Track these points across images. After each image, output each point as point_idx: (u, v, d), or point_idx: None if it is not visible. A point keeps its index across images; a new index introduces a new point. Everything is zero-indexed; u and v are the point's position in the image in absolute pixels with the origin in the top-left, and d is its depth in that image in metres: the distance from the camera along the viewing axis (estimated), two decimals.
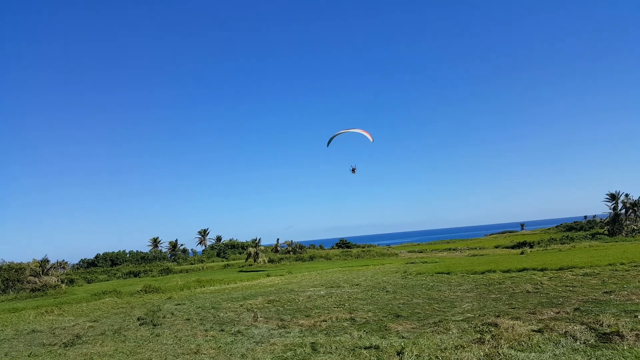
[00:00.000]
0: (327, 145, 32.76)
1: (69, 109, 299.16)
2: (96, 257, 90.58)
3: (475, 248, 75.36)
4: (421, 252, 76.68)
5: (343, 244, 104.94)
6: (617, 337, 10.20)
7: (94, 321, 20.28)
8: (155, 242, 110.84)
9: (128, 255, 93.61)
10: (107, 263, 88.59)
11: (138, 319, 19.32)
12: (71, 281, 54.86)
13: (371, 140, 32.17)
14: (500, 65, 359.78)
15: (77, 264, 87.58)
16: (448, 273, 28.97)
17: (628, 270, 21.54)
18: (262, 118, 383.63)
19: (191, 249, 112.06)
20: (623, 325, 10.91)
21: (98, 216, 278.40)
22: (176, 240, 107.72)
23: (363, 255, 72.01)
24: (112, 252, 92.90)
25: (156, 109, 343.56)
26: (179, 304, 23.88)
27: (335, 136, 32.22)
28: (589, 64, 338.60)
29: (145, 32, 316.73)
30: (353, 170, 32.93)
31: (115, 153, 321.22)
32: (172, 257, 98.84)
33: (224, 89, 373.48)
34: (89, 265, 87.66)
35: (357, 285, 26.69)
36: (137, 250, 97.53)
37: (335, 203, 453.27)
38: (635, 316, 11.87)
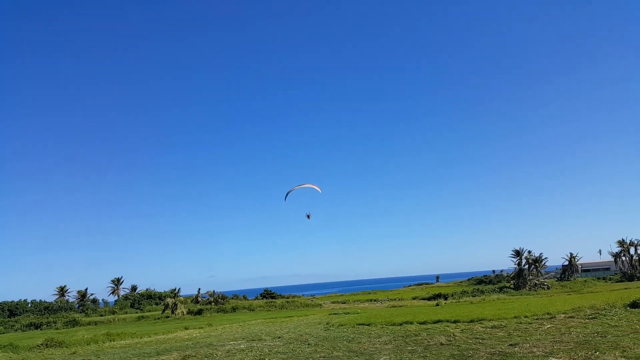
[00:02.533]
0: (285, 200, 37.19)
1: None
2: None
3: (395, 299, 77.05)
4: (344, 302, 77.01)
5: (267, 294, 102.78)
6: None
7: None
8: (62, 290, 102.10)
9: (30, 305, 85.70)
10: (5, 313, 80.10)
11: None
12: None
13: (320, 191, 36.87)
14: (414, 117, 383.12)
15: None
16: (369, 324, 29.38)
17: (531, 323, 23.21)
18: (190, 160, 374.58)
19: (102, 299, 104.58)
20: None
21: None
22: (86, 290, 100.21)
23: (287, 306, 70.90)
24: (12, 301, 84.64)
25: (63, 149, 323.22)
26: None
27: (290, 191, 36.38)
28: (493, 122, 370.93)
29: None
30: (308, 216, 37.48)
31: (22, 188, 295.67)
32: (80, 308, 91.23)
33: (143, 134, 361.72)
34: None
35: (279, 337, 26.23)
36: (40, 300, 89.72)
37: (260, 252, 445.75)
38: None
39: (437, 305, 51.50)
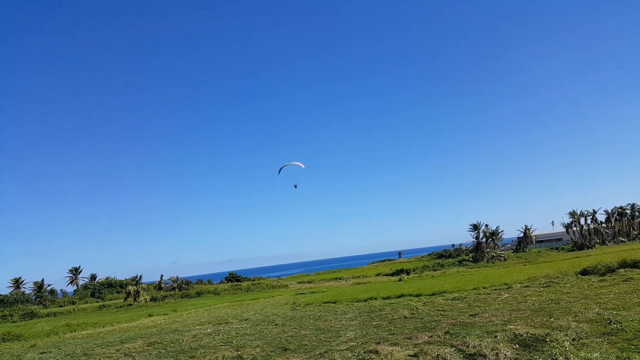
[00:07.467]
0: (278, 173, 42.63)
1: None
2: None
3: (359, 276, 78.20)
4: (310, 282, 77.66)
5: (233, 277, 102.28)
6: (480, 357, 11.39)
7: None
8: (17, 282, 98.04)
9: None
10: None
11: None
12: None
13: (303, 167, 42.01)
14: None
15: None
16: (334, 302, 29.84)
17: (489, 294, 24.16)
18: (154, 148, 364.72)
19: (60, 290, 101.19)
20: (485, 346, 12.17)
21: None
22: (42, 280, 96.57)
23: (253, 289, 70.86)
24: None
25: (31, 139, 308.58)
26: (44, 352, 21.34)
27: (283, 167, 42.09)
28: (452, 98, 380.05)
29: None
30: (295, 186, 43.08)
31: None
32: (38, 300, 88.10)
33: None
34: None
35: (246, 320, 26.23)
36: None
37: (224, 236, 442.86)
38: (495, 336, 13.32)
39: (400, 280, 52.78)
